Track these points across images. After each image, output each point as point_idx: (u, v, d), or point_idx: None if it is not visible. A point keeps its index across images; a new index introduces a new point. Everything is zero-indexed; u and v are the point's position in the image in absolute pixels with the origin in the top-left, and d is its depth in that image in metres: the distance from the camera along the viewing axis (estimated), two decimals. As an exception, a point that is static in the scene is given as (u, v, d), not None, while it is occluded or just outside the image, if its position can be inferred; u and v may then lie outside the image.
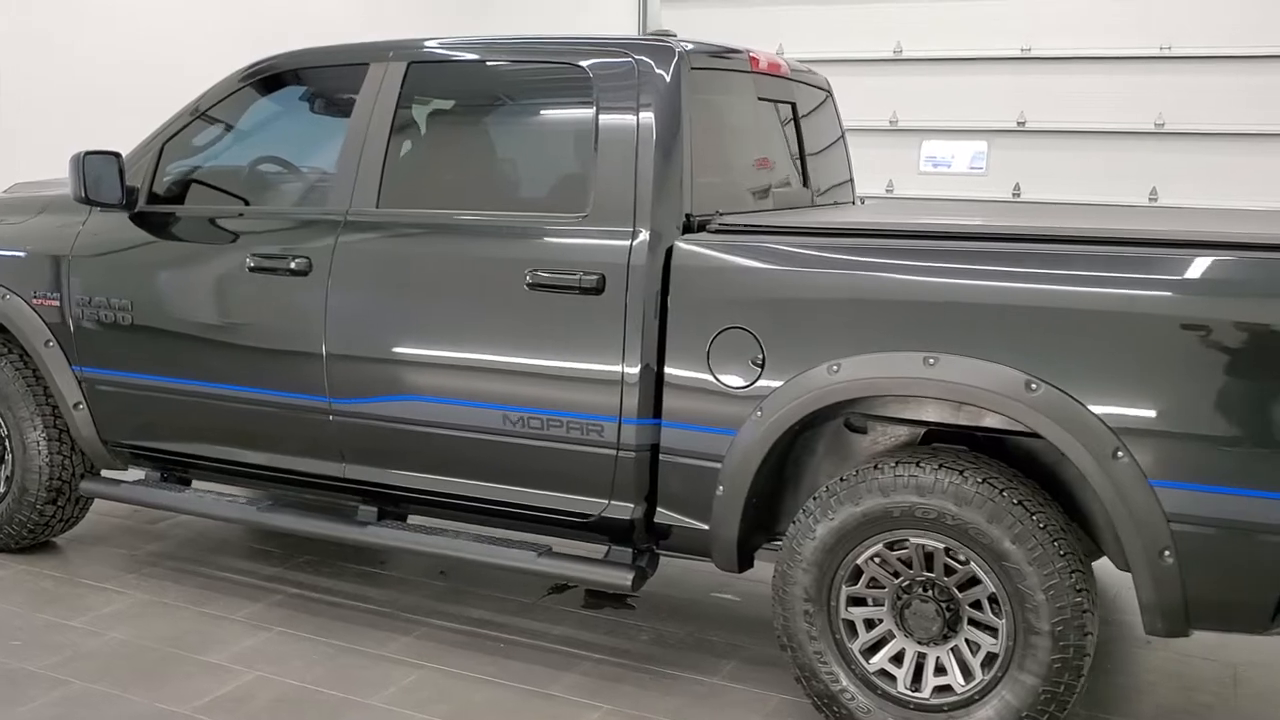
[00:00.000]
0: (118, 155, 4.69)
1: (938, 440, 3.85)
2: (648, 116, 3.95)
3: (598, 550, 4.21)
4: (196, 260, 4.70)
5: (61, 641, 4.41)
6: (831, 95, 5.33)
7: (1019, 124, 9.03)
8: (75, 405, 4.95)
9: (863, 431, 3.97)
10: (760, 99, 4.61)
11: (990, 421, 3.66)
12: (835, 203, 5.29)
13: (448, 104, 4.59)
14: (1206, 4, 8.41)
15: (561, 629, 4.61)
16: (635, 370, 3.88)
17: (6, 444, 5.15)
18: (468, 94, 4.58)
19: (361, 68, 4.45)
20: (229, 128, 4.83)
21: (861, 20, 9.37)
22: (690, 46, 4.10)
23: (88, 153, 4.60)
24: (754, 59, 4.53)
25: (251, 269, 4.47)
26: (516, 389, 4.08)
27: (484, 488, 4.23)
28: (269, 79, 4.71)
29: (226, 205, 4.81)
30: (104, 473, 5.21)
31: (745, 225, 3.94)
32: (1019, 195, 9.10)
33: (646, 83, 3.98)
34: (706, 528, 3.91)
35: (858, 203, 5.64)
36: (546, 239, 4.07)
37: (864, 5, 9.39)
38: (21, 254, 5.07)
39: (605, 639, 4.54)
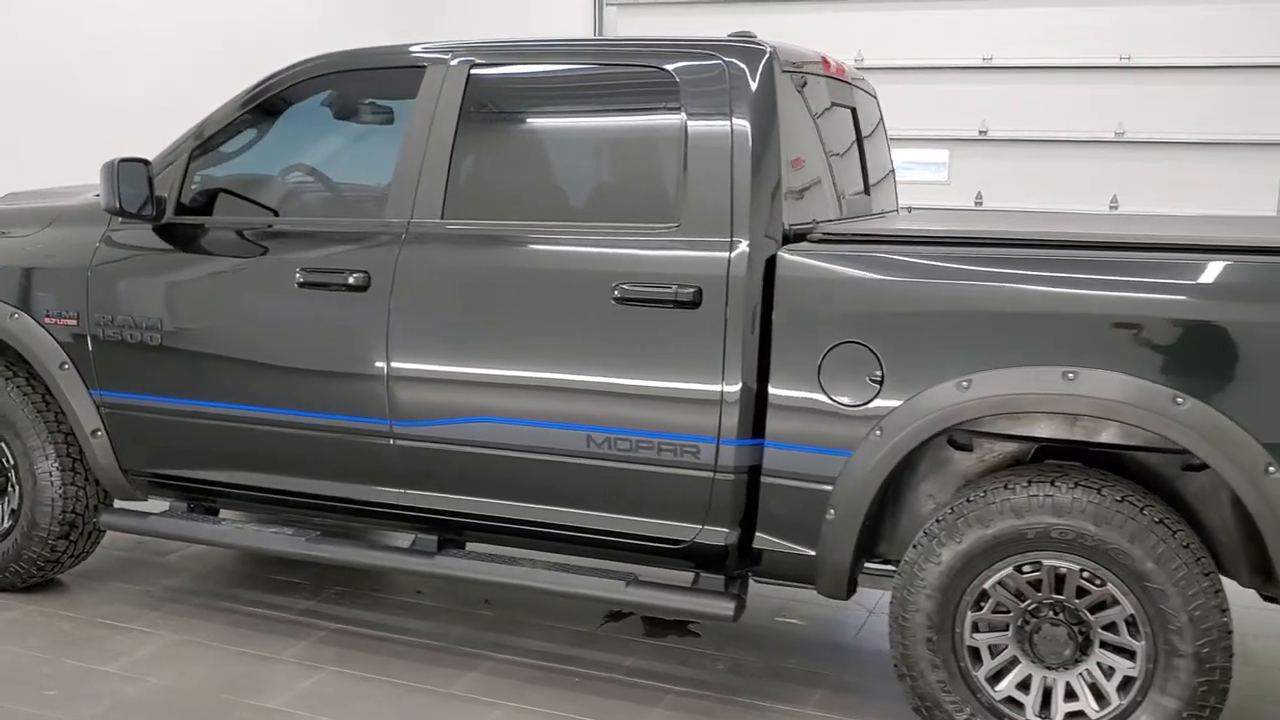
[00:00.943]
0: (147, 163, 4.35)
1: (1048, 457, 3.72)
2: (742, 121, 3.75)
3: (679, 577, 4.00)
4: (235, 275, 4.39)
5: (100, 690, 4.05)
6: (876, 99, 5.22)
7: (981, 133, 9.04)
8: (94, 432, 4.58)
9: (967, 449, 3.82)
10: (834, 103, 4.45)
11: (1106, 436, 3.54)
12: (882, 210, 5.14)
13: (517, 109, 4.32)
14: (1165, 16, 8.50)
15: (633, 660, 4.38)
16: (735, 388, 3.69)
17: (13, 475, 4.76)
18: (539, 99, 4.32)
19: (416, 71, 4.19)
20: (265, 133, 4.50)
21: (822, 29, 9.26)
22: (779, 47, 3.92)
23: (121, 160, 4.25)
24: (825, 61, 4.38)
25: (301, 284, 4.18)
26: (603, 409, 3.86)
27: (562, 513, 3.99)
28: (310, 81, 4.39)
29: (265, 216, 4.50)
30: (118, 503, 4.85)
31: (852, 234, 3.77)
32: (980, 204, 9.11)
33: (738, 85, 3.79)
34: (813, 553, 3.72)
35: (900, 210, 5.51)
36: (634, 250, 3.85)
37: (824, 13, 9.32)
38: (31, 270, 4.68)
39: (681, 669, 4.32)
